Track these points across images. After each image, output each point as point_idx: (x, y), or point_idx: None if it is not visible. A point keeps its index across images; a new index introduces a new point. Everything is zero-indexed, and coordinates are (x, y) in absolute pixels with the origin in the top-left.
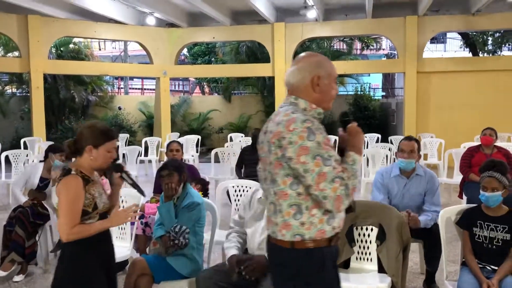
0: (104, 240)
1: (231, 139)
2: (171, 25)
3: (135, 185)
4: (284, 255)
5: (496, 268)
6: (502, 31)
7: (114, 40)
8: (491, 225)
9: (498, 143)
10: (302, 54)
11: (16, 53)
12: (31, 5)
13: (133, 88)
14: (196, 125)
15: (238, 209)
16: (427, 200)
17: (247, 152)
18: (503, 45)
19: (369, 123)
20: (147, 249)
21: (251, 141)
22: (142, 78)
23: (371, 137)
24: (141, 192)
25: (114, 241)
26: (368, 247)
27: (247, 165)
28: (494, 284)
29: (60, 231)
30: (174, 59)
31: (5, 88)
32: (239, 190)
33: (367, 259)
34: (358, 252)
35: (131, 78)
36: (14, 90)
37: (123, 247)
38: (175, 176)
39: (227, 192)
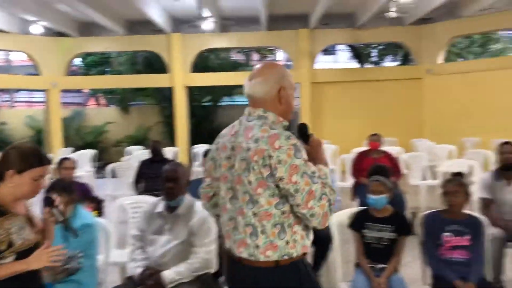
0: (23, 285)
1: (129, 153)
2: (61, 34)
3: (66, 225)
4: (270, 275)
5: (385, 266)
6: (384, 44)
7: None
8: (378, 226)
9: (384, 147)
10: (263, 64)
11: None
12: None
13: (19, 102)
14: (92, 138)
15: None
16: None
17: (146, 166)
18: (385, 57)
19: None
20: None
21: (150, 154)
22: (30, 91)
23: None
24: (74, 233)
25: None
26: None
27: (146, 179)
28: (383, 282)
29: None
30: (65, 70)
31: None
32: (137, 207)
33: None
34: None
35: (17, 91)
36: None
37: None
38: (63, 197)
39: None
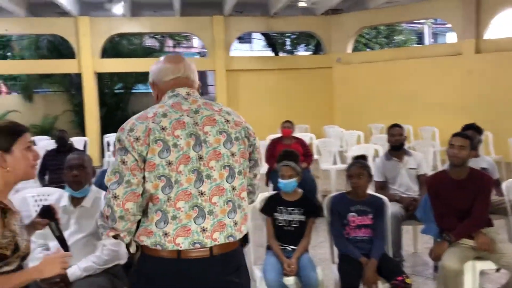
0: None
1: (34, 144)
2: None
3: (62, 240)
4: (239, 255)
5: (295, 247)
6: (297, 33)
7: None
8: (289, 209)
9: (297, 134)
10: (172, 55)
11: None
12: None
13: None
14: None
15: None
16: None
17: (51, 157)
18: (298, 46)
19: None
20: None
21: (56, 144)
22: None
23: None
24: (66, 248)
25: None
26: None
27: (52, 170)
28: (293, 263)
29: None
30: None
31: None
32: (41, 200)
33: None
34: None
35: None
36: None
37: None
38: None
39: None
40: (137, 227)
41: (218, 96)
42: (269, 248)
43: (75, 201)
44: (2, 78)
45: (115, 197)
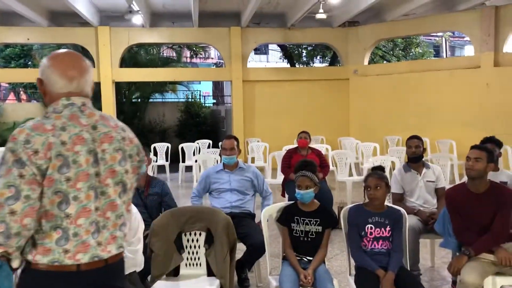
0: None
1: None
2: None
3: None
4: (122, 264)
5: (311, 258)
6: (313, 45)
7: None
8: (305, 220)
9: (313, 145)
10: (67, 52)
11: None
12: None
13: None
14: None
15: None
16: (261, 190)
17: None
18: (315, 57)
19: (201, 129)
20: None
21: None
22: None
23: (203, 143)
24: None
25: None
26: (197, 252)
27: None
28: (309, 274)
29: None
30: None
31: None
32: None
33: (196, 264)
34: (187, 258)
35: None
36: None
37: None
38: None
39: None
40: (24, 245)
41: (235, 106)
42: (285, 258)
43: None
44: (22, 86)
45: (13, 212)
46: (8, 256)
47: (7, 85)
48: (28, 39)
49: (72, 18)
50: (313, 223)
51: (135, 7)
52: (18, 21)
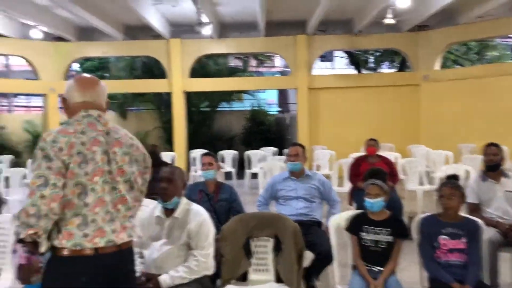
0: None
1: None
2: (59, 38)
3: None
4: (132, 251)
5: (381, 269)
6: (381, 50)
7: None
8: (375, 229)
9: (382, 153)
10: (88, 75)
11: None
12: None
13: (19, 106)
14: None
15: None
16: (328, 198)
17: None
18: (382, 63)
19: (266, 137)
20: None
21: None
22: (28, 95)
23: (268, 151)
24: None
25: None
26: (265, 258)
27: None
28: (380, 284)
29: None
30: (63, 74)
31: None
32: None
33: (265, 270)
34: (255, 264)
35: (16, 95)
36: None
37: (4, 278)
38: None
39: None
40: (51, 230)
41: (300, 114)
42: (354, 268)
43: (167, 212)
44: None
45: (42, 197)
46: (38, 239)
47: None
48: (104, 52)
49: (146, 32)
50: (383, 232)
51: (205, 19)
52: (96, 36)
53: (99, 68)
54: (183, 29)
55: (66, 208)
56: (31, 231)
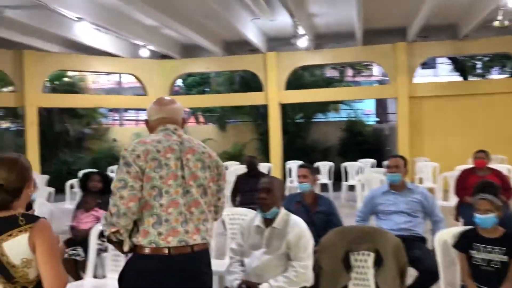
0: None
1: (226, 168)
2: (165, 56)
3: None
4: (208, 254)
5: None
6: (491, 55)
7: (108, 73)
8: (487, 247)
9: (492, 165)
10: (166, 97)
11: (11, 88)
12: (25, 40)
13: (129, 120)
14: None
15: (235, 238)
16: (431, 213)
17: (242, 180)
18: (491, 69)
19: (363, 148)
20: None
21: (246, 168)
22: (137, 110)
23: (366, 163)
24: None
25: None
26: (365, 273)
27: (243, 192)
28: None
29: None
30: (168, 90)
31: None
32: (234, 219)
33: (365, 285)
34: (355, 279)
35: (126, 110)
36: (9, 124)
37: None
38: None
39: (222, 221)
40: (132, 230)
41: (400, 124)
42: (463, 287)
43: (267, 222)
44: (200, 110)
45: (122, 197)
46: (120, 237)
47: (188, 109)
48: (207, 68)
49: (243, 46)
50: (496, 251)
51: (301, 31)
52: (198, 53)
53: (200, 83)
54: (279, 42)
55: (144, 209)
56: (113, 229)
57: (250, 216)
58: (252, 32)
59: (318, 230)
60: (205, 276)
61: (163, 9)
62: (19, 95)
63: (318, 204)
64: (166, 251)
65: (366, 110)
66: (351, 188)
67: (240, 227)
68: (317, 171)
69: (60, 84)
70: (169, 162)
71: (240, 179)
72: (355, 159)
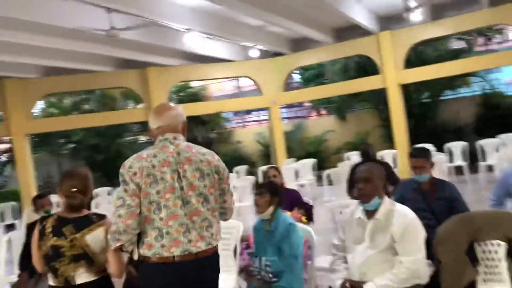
0: None
1: (348, 159)
2: (276, 54)
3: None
4: (216, 258)
5: None
6: None
7: (224, 78)
8: None
9: None
10: (162, 103)
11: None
12: (147, 58)
13: (251, 121)
14: (313, 148)
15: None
16: None
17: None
18: None
19: (504, 122)
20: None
21: (360, 157)
22: (256, 110)
23: (506, 138)
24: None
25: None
26: (496, 266)
27: None
28: None
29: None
30: (283, 86)
31: (137, 137)
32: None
33: (498, 280)
34: (485, 273)
35: (248, 112)
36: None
37: (228, 279)
38: (265, 196)
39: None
40: (138, 241)
41: None
42: None
43: (369, 213)
44: (321, 102)
45: (120, 216)
46: (126, 249)
47: (309, 103)
48: (318, 59)
49: (353, 31)
50: None
51: (413, 3)
52: (308, 45)
53: (318, 76)
54: (391, 20)
55: (146, 223)
56: (118, 244)
57: (350, 208)
58: (360, 14)
59: (439, 219)
60: (209, 280)
61: (265, 7)
62: (148, 110)
63: (437, 189)
64: (171, 258)
65: (506, 80)
66: (490, 168)
67: (342, 220)
68: (429, 153)
69: (185, 95)
70: (165, 176)
71: (354, 169)
72: (494, 136)
